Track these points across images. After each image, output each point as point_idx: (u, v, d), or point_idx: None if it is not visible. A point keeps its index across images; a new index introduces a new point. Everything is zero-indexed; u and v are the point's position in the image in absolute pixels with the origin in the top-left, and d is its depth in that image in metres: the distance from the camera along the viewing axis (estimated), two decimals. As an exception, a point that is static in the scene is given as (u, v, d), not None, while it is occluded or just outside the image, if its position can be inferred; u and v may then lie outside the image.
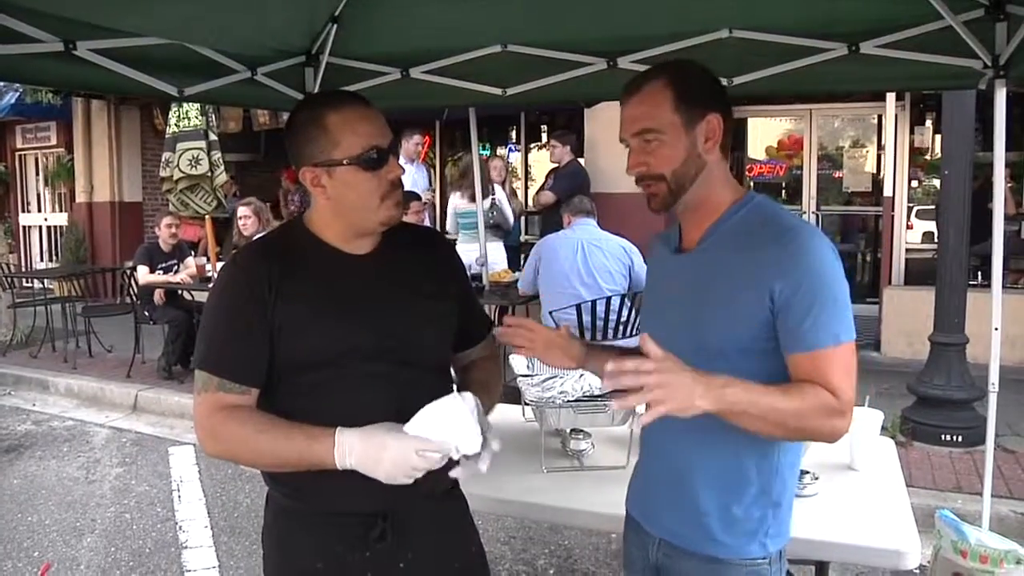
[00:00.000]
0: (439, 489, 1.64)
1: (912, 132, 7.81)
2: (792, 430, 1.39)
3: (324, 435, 1.46)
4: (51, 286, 9.86)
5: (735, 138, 1.80)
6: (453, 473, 1.54)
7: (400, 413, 1.54)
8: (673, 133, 1.47)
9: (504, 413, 2.80)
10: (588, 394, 2.39)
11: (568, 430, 2.49)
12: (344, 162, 1.52)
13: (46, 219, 12.54)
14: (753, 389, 1.32)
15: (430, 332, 1.66)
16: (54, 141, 11.94)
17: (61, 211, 12.21)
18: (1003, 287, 2.95)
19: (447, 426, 1.47)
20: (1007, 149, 2.89)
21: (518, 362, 2.82)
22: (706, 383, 1.28)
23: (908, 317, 7.01)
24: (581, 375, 2.59)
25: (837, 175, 9.22)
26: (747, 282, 1.41)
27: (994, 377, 2.93)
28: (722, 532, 1.51)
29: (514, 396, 2.68)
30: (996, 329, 2.89)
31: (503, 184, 7.12)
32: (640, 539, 1.67)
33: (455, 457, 1.49)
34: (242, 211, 7.01)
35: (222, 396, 1.53)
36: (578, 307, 4.80)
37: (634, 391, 1.25)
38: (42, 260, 12.51)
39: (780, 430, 1.38)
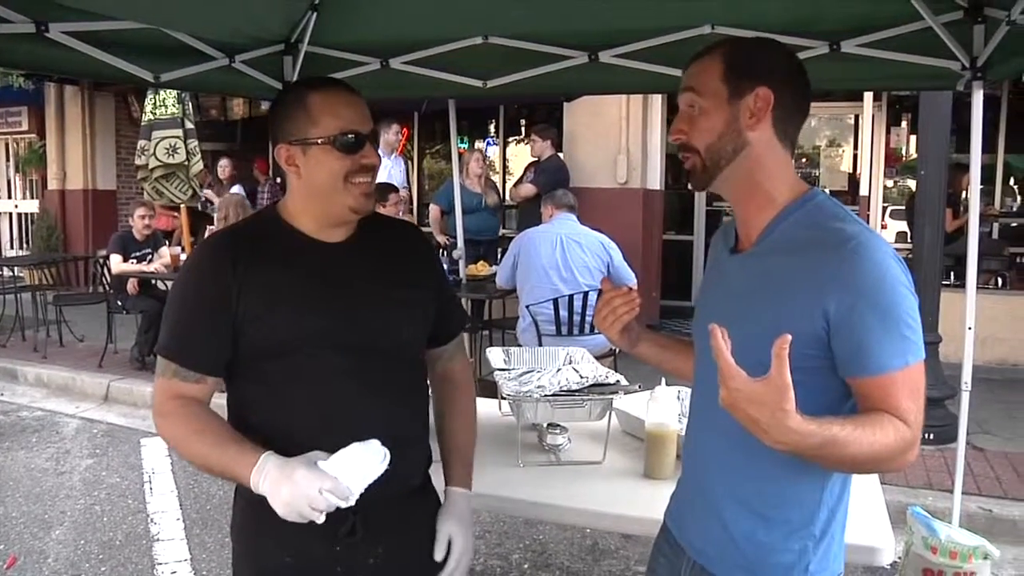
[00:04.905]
0: (410, 486, 1.65)
1: (888, 132, 7.89)
2: (862, 470, 1.32)
3: (252, 452, 1.42)
4: (21, 274, 9.70)
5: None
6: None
7: (370, 405, 1.53)
8: (714, 102, 1.37)
9: (481, 407, 2.78)
10: (566, 389, 2.38)
11: (545, 424, 2.48)
12: (319, 141, 1.51)
13: (16, 206, 12.34)
14: (835, 441, 1.18)
15: (404, 323, 1.63)
16: (25, 127, 11.73)
17: (32, 198, 12.03)
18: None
19: (361, 472, 1.38)
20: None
21: (495, 356, 2.81)
22: (786, 443, 1.16)
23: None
24: (558, 369, 2.59)
25: (814, 174, 9.29)
26: (798, 295, 1.29)
27: (967, 376, 2.95)
28: (755, 562, 1.39)
29: (491, 390, 2.66)
30: (970, 328, 2.91)
31: (480, 178, 7.10)
32: (673, 553, 1.57)
33: (344, 507, 1.37)
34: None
35: (177, 384, 1.54)
36: (555, 301, 4.80)
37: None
38: (12, 248, 12.32)
39: (850, 468, 1.31)
